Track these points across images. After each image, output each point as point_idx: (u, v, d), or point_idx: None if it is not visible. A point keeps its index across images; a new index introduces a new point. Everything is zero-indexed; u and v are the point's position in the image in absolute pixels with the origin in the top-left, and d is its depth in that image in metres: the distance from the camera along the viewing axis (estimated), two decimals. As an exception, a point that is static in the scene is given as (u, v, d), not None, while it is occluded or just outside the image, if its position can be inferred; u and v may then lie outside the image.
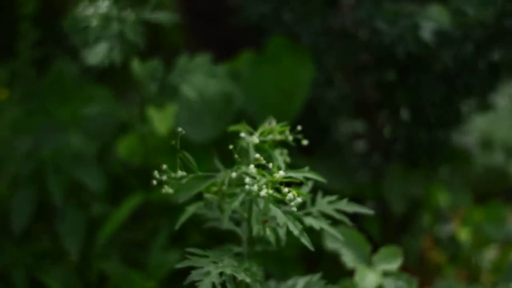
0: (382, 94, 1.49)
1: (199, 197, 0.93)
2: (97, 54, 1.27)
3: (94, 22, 1.23)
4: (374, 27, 1.34)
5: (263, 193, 0.77)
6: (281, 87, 1.45)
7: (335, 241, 1.09)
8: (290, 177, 0.80)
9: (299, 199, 0.77)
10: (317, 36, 1.41)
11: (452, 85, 1.39)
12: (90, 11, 1.24)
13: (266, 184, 0.78)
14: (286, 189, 0.77)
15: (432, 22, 1.32)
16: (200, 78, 1.34)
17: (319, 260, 1.42)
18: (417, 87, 1.40)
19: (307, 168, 0.84)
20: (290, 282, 0.95)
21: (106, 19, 1.24)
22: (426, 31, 1.32)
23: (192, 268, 0.80)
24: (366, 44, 1.40)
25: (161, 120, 1.33)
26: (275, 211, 0.80)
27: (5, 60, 1.53)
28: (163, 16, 1.27)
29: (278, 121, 0.91)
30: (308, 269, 1.37)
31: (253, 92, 1.46)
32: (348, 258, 1.07)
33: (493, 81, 1.38)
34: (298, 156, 1.31)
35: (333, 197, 0.92)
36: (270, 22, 1.44)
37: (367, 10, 1.35)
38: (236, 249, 0.93)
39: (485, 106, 1.42)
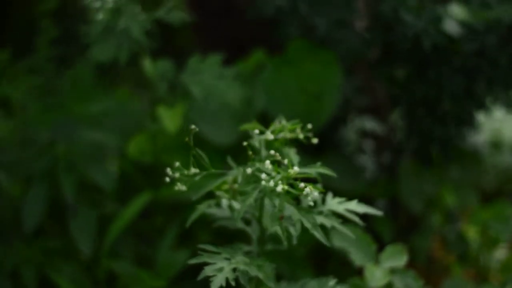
0: (397, 88, 1.49)
1: (209, 195, 0.93)
2: (103, 50, 1.27)
3: (100, 16, 1.23)
4: (398, 20, 1.34)
5: (279, 188, 0.77)
6: (307, 91, 1.45)
7: (343, 239, 1.10)
8: (304, 173, 0.81)
9: (315, 194, 0.78)
10: (333, 28, 1.42)
11: (473, 79, 1.39)
12: (97, 4, 1.23)
13: (281, 179, 0.78)
14: (302, 184, 0.78)
15: (455, 15, 1.33)
16: (210, 79, 1.34)
17: (327, 259, 1.43)
18: (436, 80, 1.40)
19: (319, 164, 0.85)
20: (301, 282, 0.95)
21: (113, 13, 1.24)
22: (450, 23, 1.32)
23: (203, 265, 0.80)
24: (385, 37, 1.40)
25: (170, 119, 1.33)
26: (289, 207, 0.81)
27: (24, 56, 1.53)
28: (174, 16, 1.27)
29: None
30: (317, 269, 1.38)
31: (274, 95, 1.45)
32: (356, 257, 1.08)
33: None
34: (307, 155, 1.32)
35: (343, 198, 0.92)
36: (285, 14, 1.44)
37: (390, 3, 1.35)
38: (246, 248, 0.93)
39: (509, 103, 1.42)
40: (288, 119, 0.92)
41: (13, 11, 1.90)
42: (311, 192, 0.77)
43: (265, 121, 0.93)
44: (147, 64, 1.33)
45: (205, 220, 1.01)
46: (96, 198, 1.42)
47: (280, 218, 0.85)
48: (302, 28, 1.44)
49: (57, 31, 1.53)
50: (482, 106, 1.42)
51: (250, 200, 0.80)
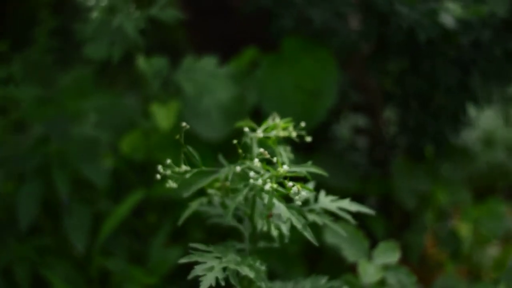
0: (391, 82, 1.49)
1: (201, 193, 0.93)
2: (97, 48, 1.27)
3: (95, 14, 1.23)
4: (393, 11, 1.34)
5: (267, 187, 0.77)
6: (303, 88, 1.44)
7: (336, 236, 1.10)
8: (294, 172, 0.80)
9: (303, 193, 0.77)
10: (328, 20, 1.41)
11: (467, 72, 1.39)
12: (92, 1, 1.24)
13: (270, 178, 0.78)
14: (290, 183, 0.77)
15: (449, 10, 1.33)
16: (203, 77, 1.34)
17: (321, 256, 1.43)
18: (430, 73, 1.40)
19: (310, 163, 0.85)
20: (293, 280, 0.95)
21: (107, 11, 1.24)
22: (445, 16, 1.32)
23: (195, 263, 0.80)
24: (380, 29, 1.40)
25: (164, 116, 1.33)
26: (279, 205, 0.80)
27: (22, 48, 1.52)
28: (168, 14, 1.27)
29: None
30: (310, 266, 1.38)
31: (269, 92, 1.45)
32: (349, 253, 1.08)
33: (510, 70, 1.38)
34: (301, 152, 1.32)
35: (336, 196, 0.92)
36: (282, 6, 1.43)
37: None
38: (239, 245, 0.93)
39: (503, 98, 1.42)
40: (284, 116, 0.91)
41: (11, 3, 1.89)
42: (300, 191, 0.77)
43: (260, 118, 0.92)
44: (141, 62, 1.33)
45: (198, 218, 1.01)
46: (90, 195, 1.42)
47: (269, 216, 0.85)
48: (297, 21, 1.44)
49: (55, 24, 1.53)
50: (475, 99, 1.42)
51: (240, 198, 0.80)
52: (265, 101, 1.44)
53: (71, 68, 1.64)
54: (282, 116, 0.92)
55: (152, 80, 1.34)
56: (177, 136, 0.83)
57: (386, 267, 1.06)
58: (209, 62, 1.36)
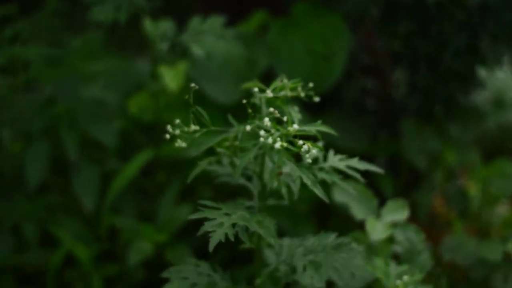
0: (400, 45, 1.48)
1: (210, 152, 0.93)
2: (103, 10, 1.27)
3: None
4: None
5: (277, 145, 0.77)
6: (314, 52, 1.44)
7: (344, 195, 1.10)
8: (304, 130, 0.80)
9: (314, 151, 0.77)
10: None
11: (476, 35, 1.38)
12: None
13: (280, 136, 0.78)
14: (300, 141, 0.77)
15: None
16: (211, 39, 1.33)
17: (330, 215, 1.44)
18: (439, 36, 1.39)
19: (319, 122, 0.85)
20: (301, 237, 0.96)
21: None
22: None
23: (204, 220, 0.80)
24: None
25: (172, 78, 1.33)
26: (289, 164, 0.80)
27: (31, 11, 1.52)
28: None
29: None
30: (319, 224, 1.39)
31: (281, 56, 1.45)
32: (357, 211, 1.09)
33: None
34: (310, 113, 1.32)
35: (345, 155, 0.92)
36: None
37: None
38: (248, 203, 0.93)
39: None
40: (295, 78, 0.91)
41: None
42: (310, 149, 0.77)
43: (270, 82, 0.92)
44: (148, 24, 1.33)
45: (207, 177, 1.01)
46: (98, 155, 1.43)
47: (279, 174, 0.85)
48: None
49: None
50: (484, 62, 1.41)
51: (250, 156, 0.80)
52: (277, 64, 1.45)
53: (80, 32, 1.63)
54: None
55: (159, 43, 1.34)
56: (186, 97, 0.83)
57: (394, 225, 1.06)
58: (216, 23, 1.35)
